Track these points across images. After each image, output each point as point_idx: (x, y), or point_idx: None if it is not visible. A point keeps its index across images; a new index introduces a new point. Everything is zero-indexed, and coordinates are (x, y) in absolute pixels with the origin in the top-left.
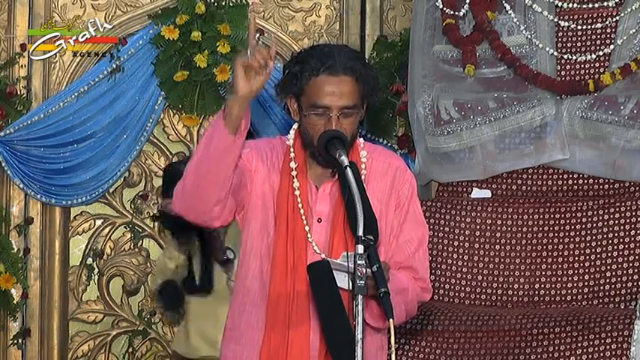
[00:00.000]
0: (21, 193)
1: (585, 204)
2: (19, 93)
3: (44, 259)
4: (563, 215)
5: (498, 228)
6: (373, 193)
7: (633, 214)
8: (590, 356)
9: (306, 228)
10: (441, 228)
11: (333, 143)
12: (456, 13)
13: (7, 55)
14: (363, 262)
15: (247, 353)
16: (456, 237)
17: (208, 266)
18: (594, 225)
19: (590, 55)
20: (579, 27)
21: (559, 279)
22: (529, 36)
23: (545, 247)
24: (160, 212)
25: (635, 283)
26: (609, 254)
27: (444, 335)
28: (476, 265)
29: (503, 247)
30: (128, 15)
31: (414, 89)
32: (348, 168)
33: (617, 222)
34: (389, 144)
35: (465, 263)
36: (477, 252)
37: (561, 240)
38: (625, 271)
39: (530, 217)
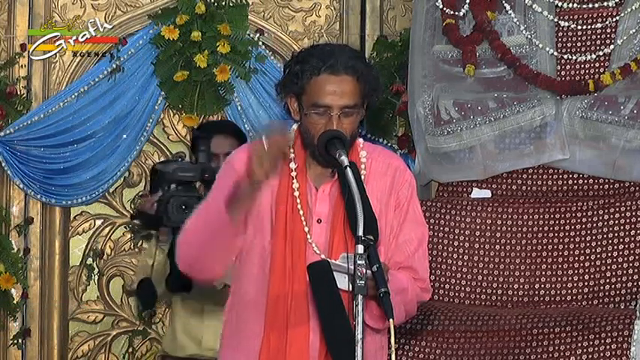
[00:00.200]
0: (21, 193)
1: (585, 204)
2: (19, 93)
3: (44, 259)
4: (563, 215)
5: (498, 228)
6: (373, 193)
7: (633, 214)
8: (590, 356)
9: (306, 229)
10: (441, 228)
11: (333, 143)
12: (456, 13)
13: (7, 55)
14: (363, 262)
15: (246, 358)
16: (456, 237)
17: None
18: (594, 225)
19: (590, 55)
20: (579, 27)
21: (559, 279)
22: (529, 36)
23: (545, 247)
24: (136, 211)
25: (635, 283)
26: (609, 254)
27: (444, 335)
28: (476, 265)
29: (503, 247)
30: (128, 15)
31: (414, 89)
32: (348, 168)
33: (617, 222)
34: (389, 144)
35: (465, 263)
36: (477, 252)
37: (561, 240)
38: (625, 271)
39: (530, 217)
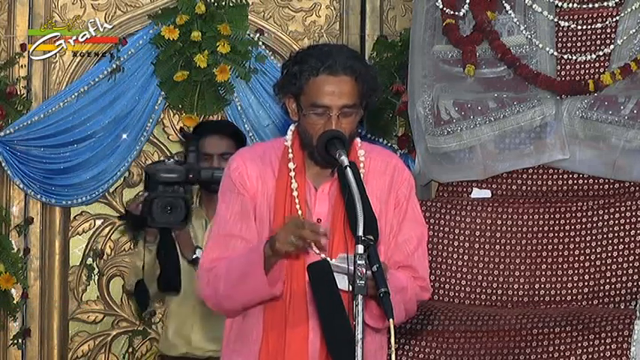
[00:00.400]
0: (21, 193)
1: (585, 204)
2: (19, 93)
3: (44, 259)
4: (563, 215)
5: (498, 228)
6: (372, 192)
7: (633, 214)
8: (590, 356)
9: None
10: (441, 228)
11: (332, 143)
12: (456, 13)
13: (7, 55)
14: (363, 262)
15: (246, 358)
16: (456, 237)
17: (176, 265)
18: (594, 225)
19: (590, 55)
20: (579, 27)
21: (559, 279)
22: (529, 36)
23: (545, 247)
24: (125, 211)
25: (635, 283)
26: (609, 254)
27: (444, 335)
28: (476, 265)
29: (503, 247)
30: (128, 15)
31: (414, 89)
32: (348, 168)
33: (617, 222)
34: (389, 144)
35: (465, 263)
36: (477, 252)
37: (561, 240)
38: (625, 271)
39: (530, 217)
